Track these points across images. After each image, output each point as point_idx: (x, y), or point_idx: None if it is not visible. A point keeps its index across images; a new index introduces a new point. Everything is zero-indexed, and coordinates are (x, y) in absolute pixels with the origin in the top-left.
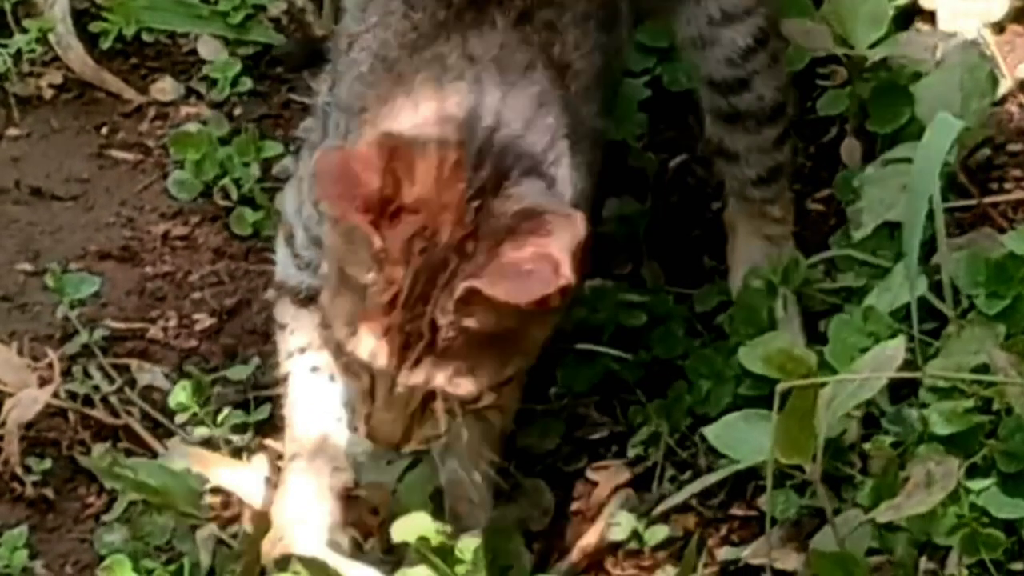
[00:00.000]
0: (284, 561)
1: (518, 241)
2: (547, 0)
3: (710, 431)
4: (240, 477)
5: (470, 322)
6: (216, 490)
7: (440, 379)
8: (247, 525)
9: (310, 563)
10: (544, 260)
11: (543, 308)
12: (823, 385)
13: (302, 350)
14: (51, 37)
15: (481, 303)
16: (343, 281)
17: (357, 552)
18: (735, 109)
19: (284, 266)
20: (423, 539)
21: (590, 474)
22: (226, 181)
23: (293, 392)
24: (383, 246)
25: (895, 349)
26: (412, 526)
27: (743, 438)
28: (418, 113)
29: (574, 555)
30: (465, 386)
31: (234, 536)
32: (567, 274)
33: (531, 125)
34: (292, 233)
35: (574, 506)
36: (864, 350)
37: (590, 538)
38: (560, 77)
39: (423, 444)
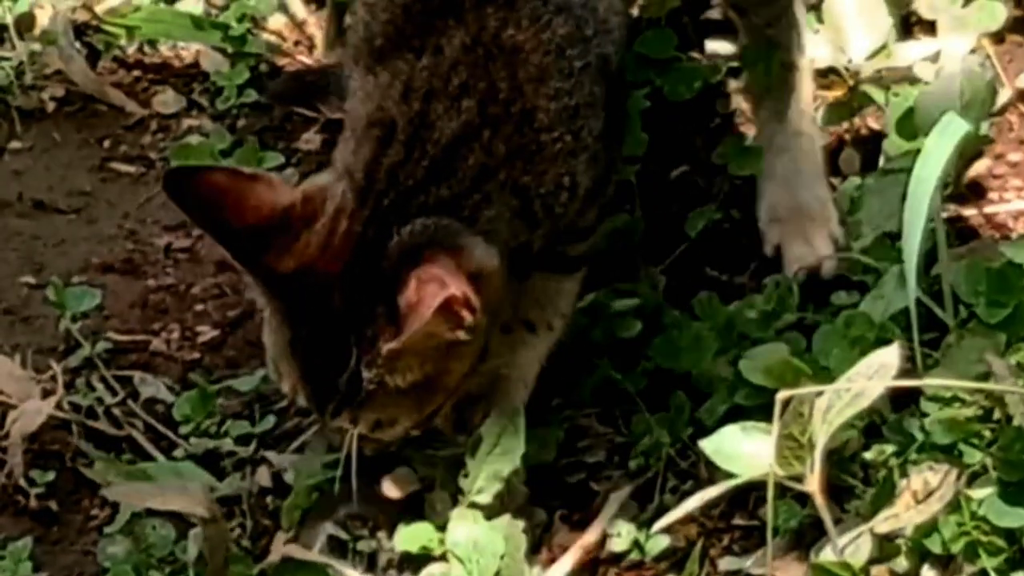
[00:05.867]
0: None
1: (403, 285)
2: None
3: (708, 444)
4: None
5: (396, 379)
6: (223, 499)
7: (362, 427)
8: (204, 535)
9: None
10: (427, 283)
11: (451, 327)
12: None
13: None
14: (53, 50)
15: (401, 358)
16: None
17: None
18: None
19: None
20: (426, 548)
21: (592, 485)
22: None
23: None
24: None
25: (890, 356)
26: (416, 535)
27: (741, 451)
28: (343, 157)
29: (574, 553)
30: (387, 433)
31: (235, 541)
32: (453, 285)
33: (444, 166)
34: None
35: (575, 517)
36: (860, 356)
37: (590, 536)
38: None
39: (382, 447)
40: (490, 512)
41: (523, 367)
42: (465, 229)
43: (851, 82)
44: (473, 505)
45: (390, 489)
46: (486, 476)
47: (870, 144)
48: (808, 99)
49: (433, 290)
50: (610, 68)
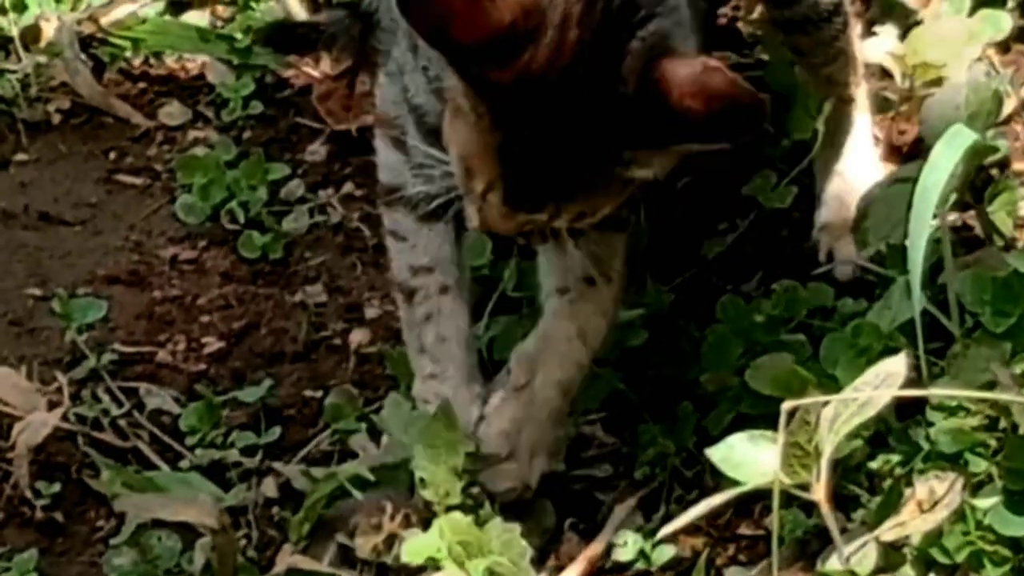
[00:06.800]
0: None
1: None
2: None
3: (714, 453)
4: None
5: (646, 173)
6: (230, 510)
7: (563, 219)
8: (213, 546)
9: None
10: (689, 78)
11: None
12: (827, 404)
13: (429, 269)
14: (59, 62)
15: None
16: (456, 108)
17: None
18: (793, 18)
19: (396, 172)
20: (432, 560)
21: (597, 494)
22: (233, 205)
23: (422, 308)
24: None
25: (897, 366)
26: (422, 547)
27: (748, 460)
28: None
29: (580, 564)
30: (584, 222)
31: (241, 552)
32: (710, 62)
33: None
34: (401, 133)
35: (581, 526)
36: (867, 366)
37: (595, 548)
38: None
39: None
40: (472, 512)
41: (584, 319)
42: (678, 29)
43: (902, 93)
44: (452, 508)
45: (361, 550)
46: (443, 477)
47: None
48: (866, 128)
49: (718, 79)
50: None
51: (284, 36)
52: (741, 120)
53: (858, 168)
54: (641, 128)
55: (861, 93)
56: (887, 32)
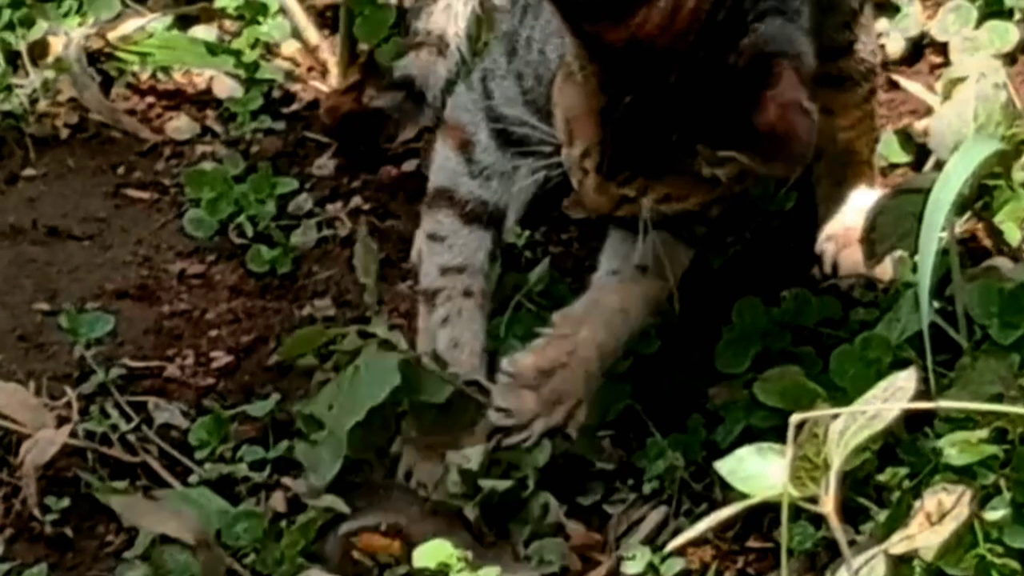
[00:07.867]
0: None
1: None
2: None
3: (723, 466)
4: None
5: (722, 171)
6: None
7: (650, 197)
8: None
9: None
10: (788, 109)
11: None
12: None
13: (460, 270)
14: (67, 78)
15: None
16: (568, 71)
17: None
18: (841, 73)
19: (452, 174)
20: (444, 564)
21: (606, 507)
22: (242, 219)
23: (442, 309)
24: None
25: (906, 380)
26: (434, 552)
27: (756, 473)
28: None
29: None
30: (672, 207)
31: (251, 568)
32: (809, 106)
33: None
34: (469, 140)
35: (590, 540)
36: (876, 378)
37: (600, 572)
38: None
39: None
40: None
41: (629, 299)
42: (796, 29)
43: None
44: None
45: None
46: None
47: None
48: (873, 180)
49: (802, 122)
50: None
51: (354, 127)
52: (784, 154)
53: (860, 192)
54: (714, 118)
55: (875, 160)
56: (893, 41)
